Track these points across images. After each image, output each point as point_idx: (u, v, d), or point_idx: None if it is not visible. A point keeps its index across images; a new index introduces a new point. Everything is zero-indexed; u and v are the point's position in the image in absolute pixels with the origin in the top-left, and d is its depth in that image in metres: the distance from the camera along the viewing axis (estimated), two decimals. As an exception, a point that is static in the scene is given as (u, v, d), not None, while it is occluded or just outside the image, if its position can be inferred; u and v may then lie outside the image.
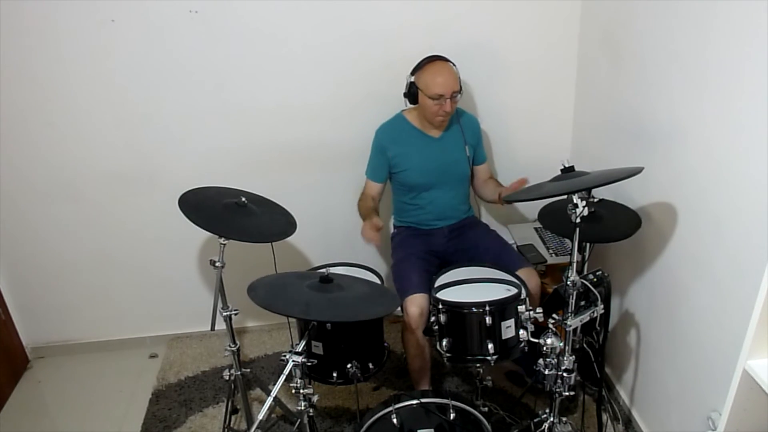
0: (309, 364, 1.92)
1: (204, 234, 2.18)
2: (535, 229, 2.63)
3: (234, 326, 2.08)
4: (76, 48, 2.30)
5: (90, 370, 2.79)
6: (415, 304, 2.08)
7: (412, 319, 2.09)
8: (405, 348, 2.26)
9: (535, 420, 1.95)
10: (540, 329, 1.79)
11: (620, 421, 2.29)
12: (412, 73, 2.22)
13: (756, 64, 1.41)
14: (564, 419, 1.92)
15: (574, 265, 1.65)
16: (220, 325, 1.99)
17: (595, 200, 1.80)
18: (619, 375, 2.40)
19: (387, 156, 2.32)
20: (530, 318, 1.85)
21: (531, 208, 2.74)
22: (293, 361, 1.59)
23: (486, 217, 2.80)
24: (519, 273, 2.11)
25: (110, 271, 2.75)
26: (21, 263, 2.69)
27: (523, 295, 1.92)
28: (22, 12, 2.22)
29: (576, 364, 1.78)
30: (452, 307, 1.90)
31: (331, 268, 1.73)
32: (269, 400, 1.58)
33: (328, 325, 1.92)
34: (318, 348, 1.95)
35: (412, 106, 2.29)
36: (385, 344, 2.08)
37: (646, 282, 2.10)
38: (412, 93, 2.23)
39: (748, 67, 1.45)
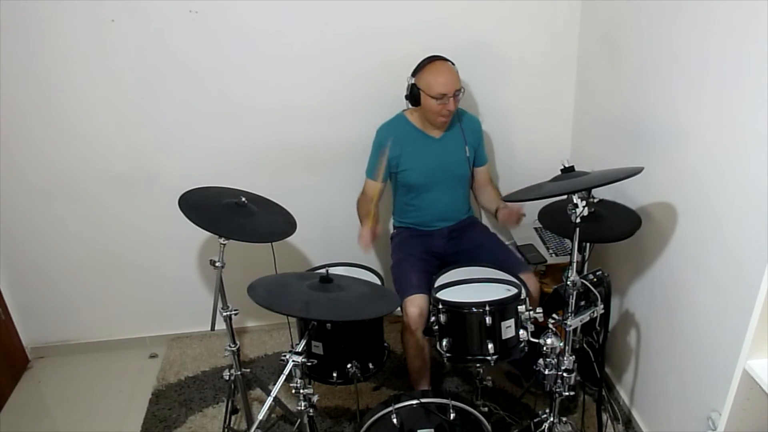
0: (309, 364, 1.93)
1: (204, 234, 2.18)
2: (535, 229, 2.63)
3: (234, 326, 2.08)
4: (76, 48, 2.30)
5: (90, 370, 2.79)
6: (414, 304, 2.08)
7: (411, 320, 2.08)
8: (404, 348, 2.26)
9: (535, 420, 1.95)
10: (540, 329, 1.79)
11: (620, 421, 2.29)
12: (413, 75, 2.21)
13: (756, 64, 1.41)
14: (564, 419, 1.92)
15: (574, 265, 1.65)
16: (220, 325, 1.99)
17: (595, 200, 1.80)
18: (619, 375, 2.40)
19: (387, 156, 2.32)
20: (530, 318, 1.85)
21: (531, 208, 2.73)
22: (293, 361, 1.58)
23: (486, 218, 2.80)
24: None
25: (110, 271, 2.75)
26: (21, 263, 2.69)
27: (523, 295, 1.92)
28: (23, 12, 2.22)
29: (576, 364, 1.78)
30: (452, 307, 1.90)
31: (331, 268, 1.73)
32: (269, 400, 1.58)
33: (328, 324, 1.92)
34: (318, 348, 1.95)
35: (413, 107, 2.29)
36: (385, 344, 2.08)
37: (646, 282, 2.10)
38: (413, 95, 2.21)
39: (748, 67, 1.45)
